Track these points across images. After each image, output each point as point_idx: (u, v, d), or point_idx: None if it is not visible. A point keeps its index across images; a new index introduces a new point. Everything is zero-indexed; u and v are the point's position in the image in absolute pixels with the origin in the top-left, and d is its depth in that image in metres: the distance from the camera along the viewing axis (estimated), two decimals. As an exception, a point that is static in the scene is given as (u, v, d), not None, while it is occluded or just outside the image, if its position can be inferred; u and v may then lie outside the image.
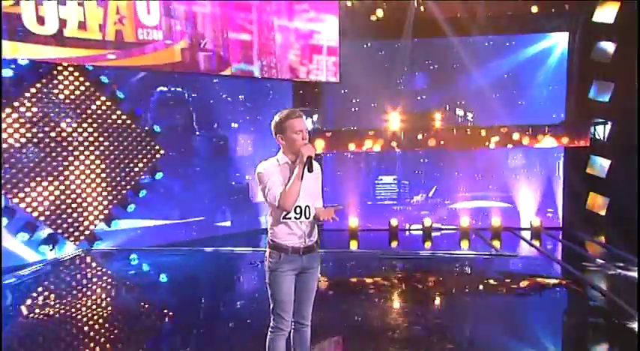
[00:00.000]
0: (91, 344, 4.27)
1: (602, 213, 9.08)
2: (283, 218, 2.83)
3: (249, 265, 7.46)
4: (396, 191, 10.04)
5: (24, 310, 5.37)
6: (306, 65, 8.86)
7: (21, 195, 6.85)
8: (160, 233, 8.25)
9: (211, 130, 9.11)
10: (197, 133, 9.02)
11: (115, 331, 4.68)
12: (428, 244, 8.72)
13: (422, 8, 8.87)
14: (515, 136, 9.02)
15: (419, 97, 9.74)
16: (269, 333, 2.90)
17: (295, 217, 2.84)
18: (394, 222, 9.16)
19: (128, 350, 4.20)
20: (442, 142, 9.28)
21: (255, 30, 8.25)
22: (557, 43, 9.30)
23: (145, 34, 6.84)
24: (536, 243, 8.53)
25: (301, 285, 2.95)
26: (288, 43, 8.63)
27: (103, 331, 4.67)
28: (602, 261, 7.16)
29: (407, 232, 9.64)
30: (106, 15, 6.45)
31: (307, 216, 2.85)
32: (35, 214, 6.98)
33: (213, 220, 9.15)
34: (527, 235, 8.99)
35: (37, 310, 5.32)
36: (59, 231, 7.24)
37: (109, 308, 5.42)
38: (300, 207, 2.81)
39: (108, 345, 4.29)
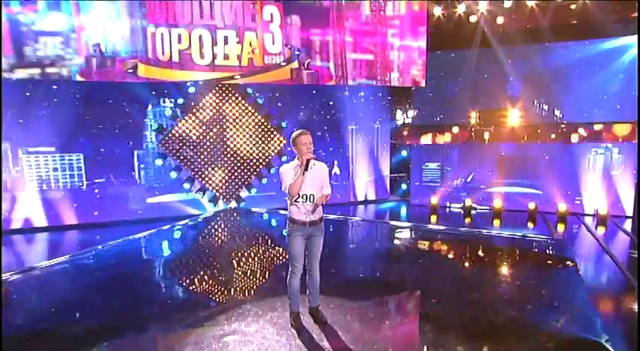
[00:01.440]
0: (246, 255, 6.57)
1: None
2: (295, 201, 3.81)
3: (342, 224, 9.11)
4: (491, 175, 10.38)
5: (200, 239, 8.12)
6: (423, 74, 9.83)
7: (196, 170, 9.59)
8: (282, 200, 10.28)
9: (322, 124, 10.63)
10: (311, 126, 10.61)
11: (252, 251, 6.87)
12: (496, 223, 9.09)
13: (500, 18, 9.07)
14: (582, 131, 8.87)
15: (497, 97, 9.94)
16: (288, 275, 3.97)
17: (302, 201, 3.80)
18: (468, 202, 9.79)
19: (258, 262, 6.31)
20: (524, 136, 9.55)
21: (378, 50, 9.54)
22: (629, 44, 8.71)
23: (269, 59, 8.77)
24: (601, 229, 8.42)
25: (310, 246, 3.93)
26: (410, 59, 9.74)
27: (250, 250, 6.91)
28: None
29: (482, 210, 10.08)
30: (242, 48, 8.53)
31: (311, 200, 3.80)
32: (204, 182, 9.69)
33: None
34: (591, 220, 8.91)
35: (208, 239, 8.09)
36: (218, 194, 9.87)
37: (247, 240, 7.78)
38: (305, 194, 3.77)
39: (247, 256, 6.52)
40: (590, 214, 9.17)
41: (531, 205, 9.13)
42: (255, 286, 5.57)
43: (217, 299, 5.13)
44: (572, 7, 8.55)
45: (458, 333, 4.03)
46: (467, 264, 6.68)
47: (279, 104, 10.12)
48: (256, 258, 6.82)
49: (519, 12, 8.88)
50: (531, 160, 9.79)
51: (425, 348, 3.87)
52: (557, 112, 9.60)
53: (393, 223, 9.12)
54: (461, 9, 9.31)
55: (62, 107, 8.21)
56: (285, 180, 3.81)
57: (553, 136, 9.28)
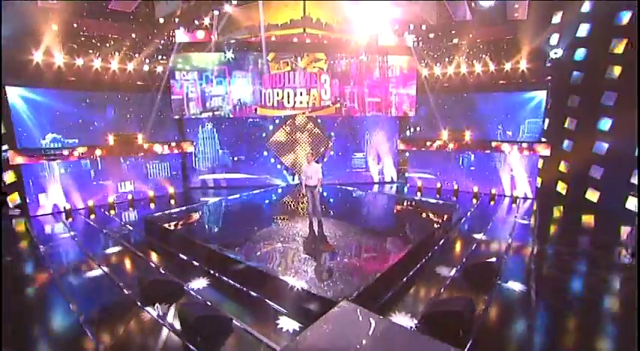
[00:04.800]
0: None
1: (564, 193, 12.11)
2: (304, 178, 9.24)
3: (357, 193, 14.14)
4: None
5: (286, 194, 13.54)
6: (413, 109, 14.53)
7: (283, 158, 15.41)
8: (329, 178, 15.57)
9: (351, 136, 15.61)
10: (346, 137, 15.75)
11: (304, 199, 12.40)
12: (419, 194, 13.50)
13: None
14: (506, 146, 12.83)
15: (457, 123, 14.01)
16: (307, 213, 9.56)
17: (308, 178, 9.17)
18: (439, 185, 14.22)
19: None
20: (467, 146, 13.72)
21: (383, 96, 14.40)
22: (537, 95, 12.36)
23: (324, 102, 14.10)
24: (512, 204, 12.44)
25: (312, 198, 9.16)
26: (402, 100, 14.47)
27: (304, 198, 12.46)
28: (515, 216, 11.08)
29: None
30: (309, 98, 13.96)
31: (311, 177, 9.00)
32: (292, 167, 15.49)
33: (352, 176, 16.05)
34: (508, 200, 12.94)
35: (290, 194, 13.40)
36: (294, 173, 15.60)
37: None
38: (308, 177, 9.11)
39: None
40: (508, 195, 13.23)
41: (475, 189, 13.41)
42: (303, 212, 11.11)
43: (287, 216, 10.68)
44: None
45: (356, 232, 9.19)
46: (393, 212, 11.39)
47: (330, 124, 15.39)
48: (305, 202, 12.22)
49: (471, 73, 13.06)
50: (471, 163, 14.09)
51: (352, 236, 9.03)
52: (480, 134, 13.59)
53: (377, 192, 14.13)
54: (437, 70, 13.68)
55: (220, 130, 14.57)
56: (303, 171, 9.21)
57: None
